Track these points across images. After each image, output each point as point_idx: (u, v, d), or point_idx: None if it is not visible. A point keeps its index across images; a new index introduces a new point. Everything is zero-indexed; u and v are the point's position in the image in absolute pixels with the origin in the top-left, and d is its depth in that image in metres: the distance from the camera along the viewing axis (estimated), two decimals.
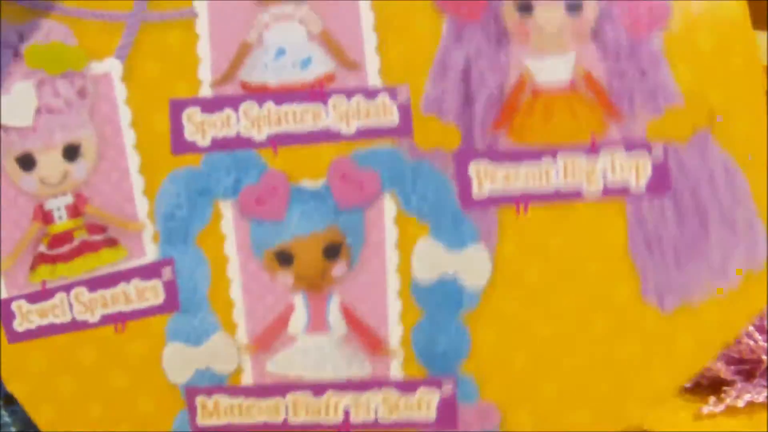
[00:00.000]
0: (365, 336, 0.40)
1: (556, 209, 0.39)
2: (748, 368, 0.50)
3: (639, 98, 0.38)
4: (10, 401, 0.51)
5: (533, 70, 0.38)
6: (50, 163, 0.42)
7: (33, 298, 0.42)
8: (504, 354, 0.39)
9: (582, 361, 0.39)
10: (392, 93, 0.39)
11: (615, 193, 0.38)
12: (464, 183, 0.39)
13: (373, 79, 0.39)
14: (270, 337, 0.41)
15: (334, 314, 0.40)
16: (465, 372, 0.40)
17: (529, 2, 0.38)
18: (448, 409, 0.40)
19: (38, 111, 0.42)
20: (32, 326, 0.43)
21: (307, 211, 0.40)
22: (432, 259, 0.39)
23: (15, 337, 0.43)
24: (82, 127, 0.42)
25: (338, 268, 0.40)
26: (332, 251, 0.40)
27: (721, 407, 0.48)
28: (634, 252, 0.38)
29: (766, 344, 0.50)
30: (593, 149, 0.38)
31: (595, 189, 0.38)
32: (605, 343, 0.39)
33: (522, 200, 0.39)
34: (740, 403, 0.48)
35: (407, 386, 0.40)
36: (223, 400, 0.41)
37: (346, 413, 0.41)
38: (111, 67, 0.41)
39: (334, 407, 0.41)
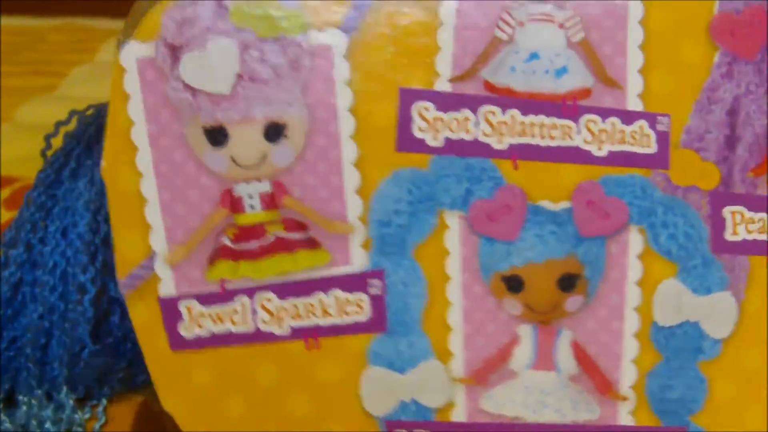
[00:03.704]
0: (596, 377, 0.37)
1: None
2: None
3: None
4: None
5: None
6: (247, 140, 0.35)
7: (207, 299, 0.35)
8: (739, 408, 0.37)
9: None
10: (652, 120, 0.37)
11: None
12: (718, 225, 0.37)
13: (633, 103, 0.36)
14: (489, 370, 0.37)
15: (563, 351, 0.37)
16: (697, 423, 0.37)
17: None
18: None
19: (239, 77, 0.35)
20: (203, 333, 0.35)
21: (544, 235, 0.36)
22: (677, 302, 0.37)
23: (180, 343, 0.35)
24: (290, 105, 0.35)
25: (573, 302, 0.37)
26: (568, 282, 0.36)
27: None
28: None
29: None
30: None
31: None
32: None
33: None
34: None
35: None
36: None
37: None
38: (334, 40, 0.35)
39: None
